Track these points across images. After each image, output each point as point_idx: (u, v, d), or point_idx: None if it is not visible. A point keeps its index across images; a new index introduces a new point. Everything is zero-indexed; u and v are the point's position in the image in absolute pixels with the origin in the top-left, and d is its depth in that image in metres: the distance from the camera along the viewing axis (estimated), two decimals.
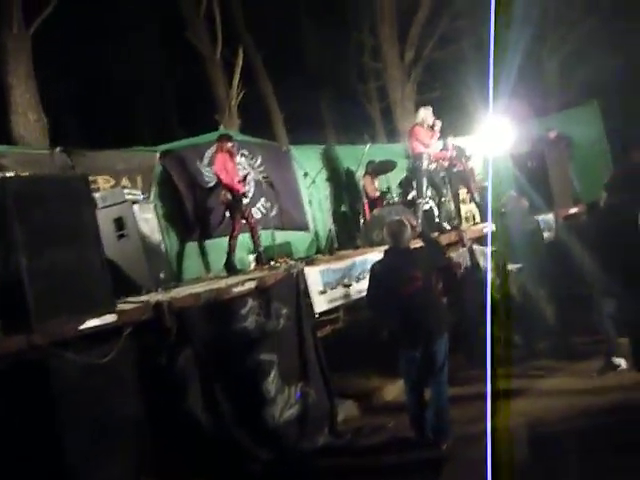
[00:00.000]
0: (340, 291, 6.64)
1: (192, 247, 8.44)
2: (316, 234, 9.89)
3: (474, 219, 10.49)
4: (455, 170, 10.52)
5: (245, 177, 8.14)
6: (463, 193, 10.79)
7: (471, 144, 11.69)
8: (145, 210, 7.21)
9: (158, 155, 8.31)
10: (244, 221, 7.62)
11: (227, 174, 7.51)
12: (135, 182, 7.98)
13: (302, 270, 6.27)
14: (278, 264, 6.77)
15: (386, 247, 5.58)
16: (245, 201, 7.81)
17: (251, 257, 8.77)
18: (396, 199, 9.68)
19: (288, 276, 6.14)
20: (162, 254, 7.36)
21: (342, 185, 10.22)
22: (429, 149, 8.74)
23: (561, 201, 10.57)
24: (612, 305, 6.06)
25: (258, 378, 5.62)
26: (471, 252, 8.30)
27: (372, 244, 7.73)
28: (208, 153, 8.59)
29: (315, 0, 15.75)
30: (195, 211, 8.36)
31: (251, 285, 5.85)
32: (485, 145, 13.10)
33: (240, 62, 11.71)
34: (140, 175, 8.06)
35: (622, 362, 6.19)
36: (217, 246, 8.34)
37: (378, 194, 9.78)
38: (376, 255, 7.08)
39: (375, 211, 8.16)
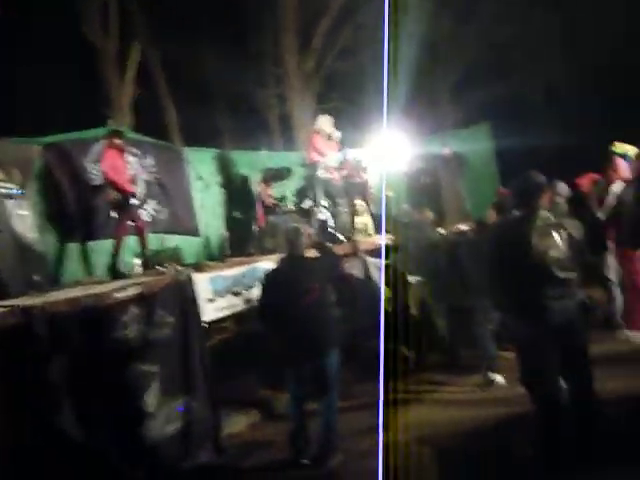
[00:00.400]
0: (230, 299, 6.37)
1: (74, 248, 7.89)
2: (208, 240, 9.55)
3: (368, 231, 10.51)
4: (352, 181, 10.59)
5: (134, 177, 7.66)
6: (359, 204, 10.83)
7: (367, 157, 11.79)
8: (20, 206, 6.67)
9: (40, 148, 7.70)
10: (132, 223, 7.16)
11: (115, 172, 7.05)
12: (11, 175, 7.30)
13: (190, 276, 5.95)
14: (165, 269, 6.37)
15: (281, 255, 5.38)
16: (134, 202, 7.37)
17: (137, 261, 8.33)
18: (292, 207, 9.57)
19: (175, 282, 5.81)
20: (38, 254, 6.83)
21: (236, 191, 9.93)
22: (325, 158, 8.65)
23: (452, 217, 10.84)
24: (496, 319, 6.21)
25: (137, 391, 5.25)
26: (364, 264, 8.33)
27: (265, 252, 7.51)
28: (95, 149, 8.03)
29: (217, 3, 15.29)
30: (78, 210, 7.81)
31: (135, 291, 5.48)
32: (381, 159, 13.36)
33: (135, 58, 11.16)
34: (17, 168, 7.40)
35: (497, 377, 6.30)
36: (101, 248, 7.81)
37: (273, 201, 9.58)
38: (268, 263, 6.91)
39: (270, 218, 7.96)
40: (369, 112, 16.78)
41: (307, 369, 5.00)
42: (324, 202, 8.90)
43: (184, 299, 5.80)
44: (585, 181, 7.93)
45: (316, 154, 8.64)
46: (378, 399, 4.99)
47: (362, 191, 10.69)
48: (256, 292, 6.61)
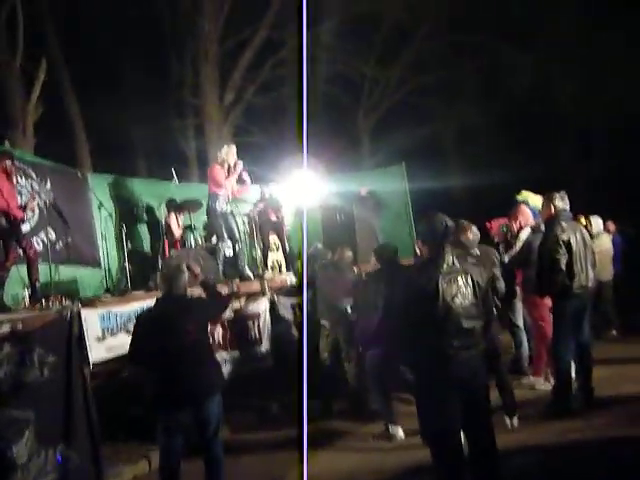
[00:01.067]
0: (123, 338, 5.87)
1: None
2: (108, 272, 8.96)
3: (280, 268, 10.23)
4: (266, 218, 10.35)
5: (28, 202, 7.05)
6: (273, 241, 10.58)
7: (283, 193, 11.59)
8: None
9: None
10: (20, 251, 6.57)
11: (1, 196, 6.47)
12: None
13: (78, 312, 5.45)
14: (50, 304, 5.84)
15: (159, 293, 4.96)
16: (24, 228, 6.78)
17: (26, 293, 7.69)
18: (200, 241, 9.19)
19: (60, 318, 5.30)
20: None
21: (141, 221, 9.45)
22: (223, 190, 8.32)
23: (365, 256, 10.71)
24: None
25: (7, 440, 4.69)
26: (272, 303, 8.01)
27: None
28: None
29: (139, 26, 14.90)
30: None
31: (9, 327, 4.95)
32: (296, 195, 13.20)
33: (42, 75, 10.55)
34: None
35: (399, 432, 5.91)
36: None
37: (180, 234, 9.15)
38: None
39: (172, 252, 7.53)
40: (287, 148, 16.83)
41: (181, 419, 4.48)
42: (227, 236, 8.49)
43: (69, 337, 5.29)
44: (494, 225, 7.98)
45: (214, 185, 8.30)
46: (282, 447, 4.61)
47: (276, 227, 10.43)
48: None
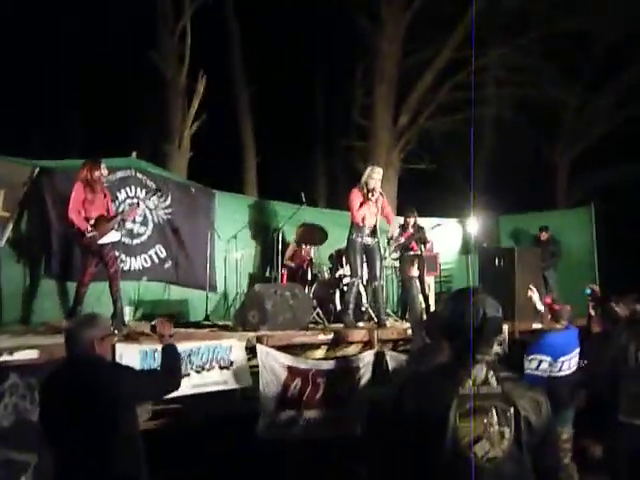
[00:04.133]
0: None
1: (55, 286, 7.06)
2: (225, 297, 8.40)
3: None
4: (411, 253, 9.03)
5: (122, 214, 6.58)
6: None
7: (438, 226, 10.25)
8: None
9: (37, 170, 6.99)
10: (94, 267, 6.14)
11: (75, 208, 6.01)
12: None
13: (112, 347, 4.76)
14: None
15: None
16: (103, 242, 6.21)
17: (127, 309, 7.36)
18: (324, 274, 8.26)
19: None
20: None
21: (268, 246, 8.75)
22: (362, 217, 7.18)
23: (524, 313, 8.90)
24: None
25: None
26: (379, 357, 6.73)
27: (245, 326, 6.17)
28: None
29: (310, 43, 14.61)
30: (63, 243, 6.97)
31: (29, 355, 4.42)
32: (459, 231, 11.75)
33: (201, 90, 10.50)
34: (4, 189, 6.72)
35: None
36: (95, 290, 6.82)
37: (305, 264, 8.30)
38: (238, 343, 5.63)
39: (256, 286, 6.64)
40: (458, 178, 15.36)
41: None
42: (358, 271, 7.36)
43: None
44: None
45: (352, 211, 7.23)
46: None
47: (421, 266, 9.04)
48: (210, 376, 5.46)
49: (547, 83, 13.36)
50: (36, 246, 7.03)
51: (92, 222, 6.02)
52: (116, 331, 5.20)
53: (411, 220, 9.04)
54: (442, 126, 13.52)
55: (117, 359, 4.79)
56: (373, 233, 7.36)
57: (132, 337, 5.18)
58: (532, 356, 4.73)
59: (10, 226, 6.76)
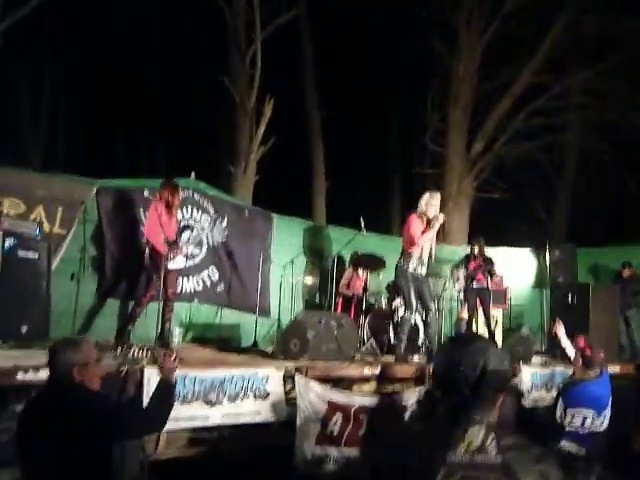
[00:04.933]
0: (197, 409, 4.91)
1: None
2: (279, 323, 8.20)
3: None
4: (476, 285, 8.56)
5: (196, 237, 6.54)
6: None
7: (516, 257, 9.71)
8: (30, 247, 5.98)
9: (95, 189, 7.09)
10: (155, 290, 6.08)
11: (152, 229, 6.05)
12: (54, 214, 6.77)
13: (140, 370, 4.65)
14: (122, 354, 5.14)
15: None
16: (176, 264, 6.22)
17: (177, 330, 7.30)
18: (383, 303, 7.94)
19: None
20: (39, 304, 6.06)
21: (325, 272, 8.51)
22: (417, 247, 6.81)
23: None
24: None
25: None
26: (429, 395, 6.33)
27: (286, 354, 5.91)
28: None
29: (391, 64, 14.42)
30: (117, 263, 7.00)
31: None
32: (534, 263, 11.09)
33: (268, 113, 10.46)
34: (62, 207, 6.84)
35: None
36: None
37: (360, 292, 8.00)
38: (275, 373, 5.39)
39: (299, 313, 6.37)
40: (533, 207, 14.61)
41: None
42: (413, 303, 6.97)
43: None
44: None
45: (407, 240, 6.87)
46: None
47: (485, 300, 8.53)
48: (245, 406, 5.23)
49: (632, 109, 12.49)
50: (90, 264, 7.10)
51: (167, 245, 5.99)
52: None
53: (476, 249, 8.61)
54: (518, 153, 12.90)
55: (145, 383, 4.67)
56: (426, 263, 6.98)
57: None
58: (574, 410, 4.23)
59: (66, 244, 6.86)
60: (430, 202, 6.88)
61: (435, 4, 12.85)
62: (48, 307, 6.19)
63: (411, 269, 6.82)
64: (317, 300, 8.67)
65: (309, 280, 8.59)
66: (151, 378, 4.71)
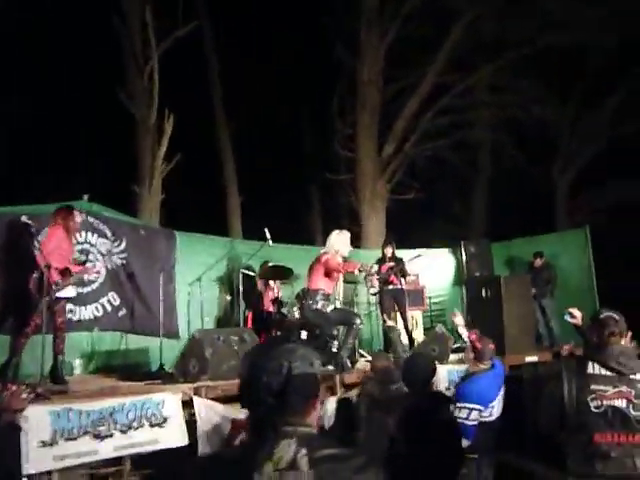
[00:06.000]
0: (85, 444, 4.56)
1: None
2: None
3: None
4: (390, 287, 8.48)
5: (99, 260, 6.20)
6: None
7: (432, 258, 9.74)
8: None
9: None
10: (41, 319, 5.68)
11: (55, 254, 5.70)
12: None
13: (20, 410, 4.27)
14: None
15: None
16: (66, 293, 5.85)
17: (77, 363, 6.91)
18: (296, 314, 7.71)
19: None
20: None
21: (235, 287, 8.25)
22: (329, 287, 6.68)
23: (515, 345, 8.25)
24: None
25: None
26: (343, 403, 6.15)
27: (186, 377, 5.61)
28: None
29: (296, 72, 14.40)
30: (5, 296, 6.54)
31: None
32: (452, 261, 11.15)
33: (169, 130, 10.15)
34: None
35: None
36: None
37: (269, 304, 7.80)
38: (171, 397, 5.09)
39: (195, 332, 6.09)
40: (447, 205, 14.82)
41: None
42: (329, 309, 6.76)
43: None
44: None
45: (331, 278, 6.72)
46: None
47: (400, 300, 8.45)
48: (141, 435, 4.91)
49: (536, 103, 12.83)
50: None
51: (58, 272, 5.64)
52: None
53: (388, 251, 8.60)
54: (429, 152, 13.02)
55: (22, 422, 4.29)
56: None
57: (45, 396, 4.66)
58: (460, 404, 4.15)
59: None
60: (345, 241, 6.78)
61: (336, 9, 12.88)
62: None
63: (320, 306, 6.62)
64: (230, 317, 8.39)
65: (218, 297, 8.34)
66: (29, 415, 4.34)
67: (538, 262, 10.13)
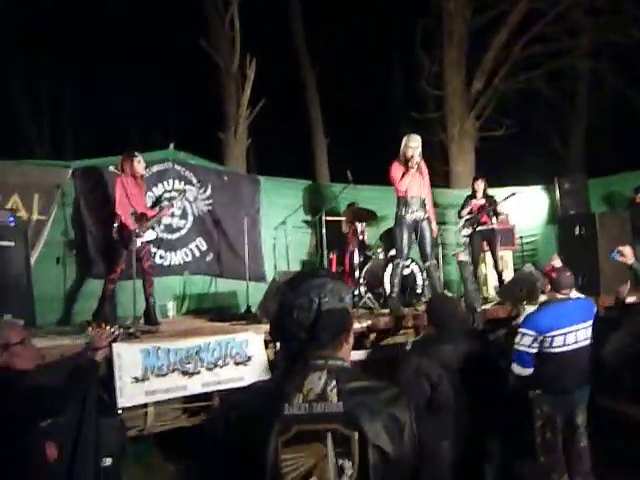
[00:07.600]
0: (174, 380, 4.83)
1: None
2: None
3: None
4: (482, 228, 8.19)
5: (154, 215, 6.40)
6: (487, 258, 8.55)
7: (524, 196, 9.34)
8: (5, 236, 5.94)
9: (70, 171, 7.00)
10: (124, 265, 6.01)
11: (120, 204, 6.00)
12: (29, 201, 6.70)
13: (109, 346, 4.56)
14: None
15: None
16: (147, 237, 6.13)
17: (170, 304, 7.26)
18: (378, 255, 7.69)
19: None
20: (21, 291, 6.02)
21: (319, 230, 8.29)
22: (406, 191, 6.61)
23: (611, 285, 7.85)
24: None
25: None
26: None
27: (268, 317, 5.76)
28: None
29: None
30: (98, 243, 6.93)
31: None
32: (546, 199, 10.65)
33: (252, 75, 10.16)
34: (38, 193, 6.77)
35: None
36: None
37: (353, 245, 7.80)
38: (254, 336, 5.26)
39: (277, 275, 6.18)
40: (543, 140, 14.01)
41: None
42: (404, 250, 6.73)
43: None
44: None
45: (396, 184, 6.70)
46: None
47: (493, 240, 8.18)
48: (225, 372, 5.12)
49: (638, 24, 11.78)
50: (73, 247, 7.05)
51: (134, 218, 5.92)
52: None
53: (479, 187, 8.24)
54: (521, 85, 12.33)
55: (115, 359, 4.59)
56: (422, 206, 6.75)
57: (135, 336, 4.94)
58: (522, 329, 4.04)
59: (47, 229, 6.81)
60: (407, 144, 6.69)
61: None
62: (31, 293, 6.16)
63: (407, 215, 6.63)
64: (315, 259, 8.48)
65: (303, 240, 8.44)
66: (121, 353, 4.65)
67: (639, 197, 9.50)
